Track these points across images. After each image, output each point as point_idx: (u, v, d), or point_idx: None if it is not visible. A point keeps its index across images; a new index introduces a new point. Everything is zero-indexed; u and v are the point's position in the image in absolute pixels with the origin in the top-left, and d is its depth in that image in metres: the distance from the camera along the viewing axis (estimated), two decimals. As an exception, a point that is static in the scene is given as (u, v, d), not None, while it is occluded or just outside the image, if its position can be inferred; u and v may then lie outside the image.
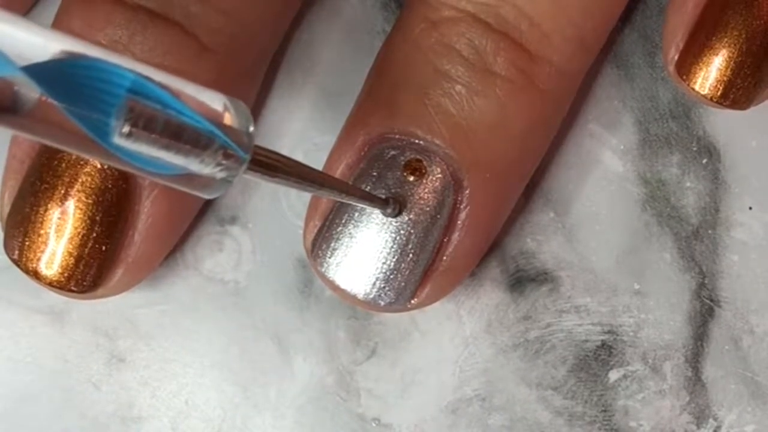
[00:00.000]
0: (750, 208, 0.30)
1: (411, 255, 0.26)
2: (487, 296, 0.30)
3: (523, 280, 0.30)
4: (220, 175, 0.19)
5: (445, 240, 0.27)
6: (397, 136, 0.26)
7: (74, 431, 0.30)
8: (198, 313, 0.30)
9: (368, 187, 0.26)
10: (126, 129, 0.17)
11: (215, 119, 0.19)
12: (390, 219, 0.26)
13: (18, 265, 0.27)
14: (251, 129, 0.19)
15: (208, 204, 0.30)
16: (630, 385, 0.30)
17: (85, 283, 0.27)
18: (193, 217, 0.29)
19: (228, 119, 0.19)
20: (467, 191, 0.26)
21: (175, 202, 0.27)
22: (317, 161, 0.28)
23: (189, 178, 0.19)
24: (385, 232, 0.26)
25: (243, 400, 0.30)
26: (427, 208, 0.26)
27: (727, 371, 0.30)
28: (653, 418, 0.30)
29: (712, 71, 0.27)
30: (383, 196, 0.26)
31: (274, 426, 0.30)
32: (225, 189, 0.20)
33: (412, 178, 0.26)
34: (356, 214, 0.27)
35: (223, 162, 0.19)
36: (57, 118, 0.17)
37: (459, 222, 0.27)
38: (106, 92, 0.17)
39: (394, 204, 0.26)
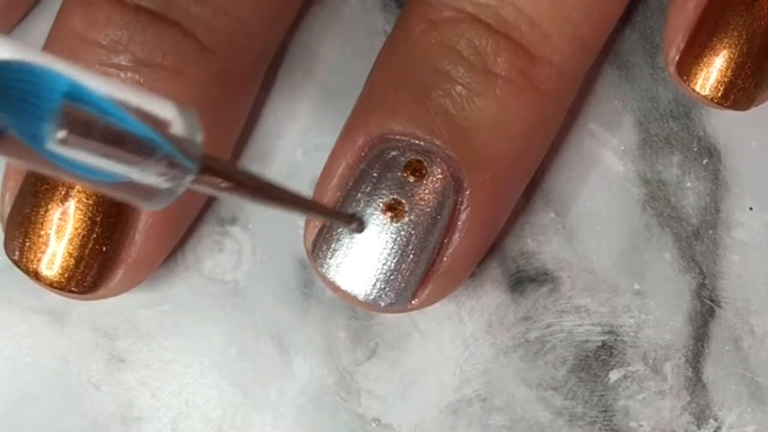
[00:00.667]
0: (750, 208, 0.30)
1: (411, 256, 0.26)
2: (488, 296, 0.30)
3: (524, 281, 0.30)
4: (165, 185, 0.18)
5: (446, 241, 0.27)
6: (397, 137, 0.26)
7: (74, 431, 0.30)
8: (198, 314, 0.30)
9: (369, 188, 0.26)
10: (61, 135, 0.16)
11: (161, 128, 0.18)
12: (390, 220, 0.26)
13: (18, 266, 0.27)
14: (199, 139, 0.18)
15: (208, 204, 0.30)
16: (630, 385, 0.30)
17: (85, 284, 0.27)
18: (194, 218, 0.29)
19: (176, 128, 0.18)
20: (467, 192, 0.26)
21: (175, 203, 0.27)
22: (317, 161, 0.28)
23: (131, 186, 0.18)
24: (386, 233, 0.26)
25: (243, 400, 0.30)
26: (428, 209, 0.26)
27: (727, 372, 0.30)
28: (654, 418, 0.30)
29: (712, 72, 0.27)
30: (348, 212, 0.26)
31: (274, 426, 0.30)
32: (171, 200, 0.19)
33: (412, 179, 0.26)
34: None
35: (167, 172, 0.18)
36: None
37: (459, 223, 0.27)
38: (41, 97, 0.16)
39: (359, 221, 0.26)
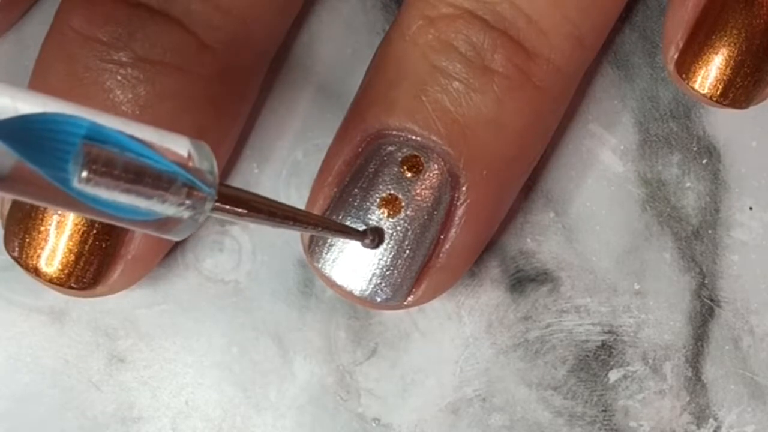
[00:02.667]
0: (750, 208, 0.30)
1: (408, 251, 0.26)
2: (488, 296, 0.30)
3: (524, 281, 0.30)
4: (186, 214, 0.19)
5: (442, 237, 0.27)
6: (394, 133, 0.26)
7: (74, 431, 0.30)
8: (198, 313, 0.30)
9: (365, 184, 0.26)
10: (84, 173, 0.17)
11: (177, 160, 0.19)
12: (386, 216, 0.26)
13: (18, 263, 0.27)
14: (215, 168, 0.19)
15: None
16: (630, 385, 0.30)
17: (85, 280, 0.27)
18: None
19: (191, 160, 0.19)
20: (464, 188, 0.26)
21: None
22: (317, 161, 0.28)
23: (155, 220, 0.19)
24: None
25: (243, 400, 0.30)
26: (424, 205, 0.26)
27: (727, 371, 0.30)
28: (653, 418, 0.30)
29: (711, 70, 0.27)
30: (361, 228, 0.26)
31: (274, 426, 0.30)
32: (193, 230, 0.19)
33: (409, 175, 0.26)
34: (354, 211, 0.27)
35: (188, 201, 0.19)
36: (32, 177, 0.17)
37: (456, 219, 0.27)
38: (64, 142, 0.17)
39: (372, 235, 0.26)
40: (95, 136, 0.18)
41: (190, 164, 0.19)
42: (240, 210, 0.20)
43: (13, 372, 0.30)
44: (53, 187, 0.17)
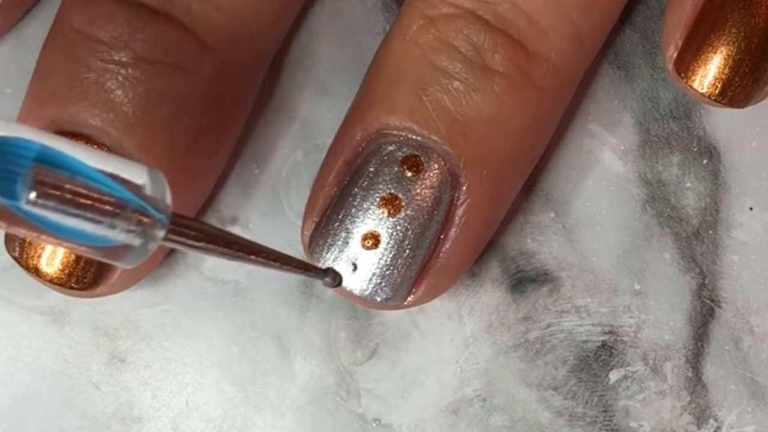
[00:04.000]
0: (750, 209, 0.30)
1: (408, 251, 0.26)
2: (488, 297, 0.30)
3: (524, 281, 0.30)
4: (137, 241, 0.19)
5: (442, 237, 0.27)
6: (394, 132, 0.26)
7: (74, 431, 0.30)
8: (198, 313, 0.30)
9: (365, 183, 0.26)
10: (32, 195, 0.18)
11: (131, 187, 0.19)
12: (386, 216, 0.26)
13: (19, 263, 0.27)
14: (167, 197, 0.19)
15: (208, 204, 0.30)
16: (630, 385, 0.30)
17: (85, 281, 0.27)
18: (193, 215, 0.29)
19: (145, 188, 0.19)
20: (464, 187, 0.26)
21: (176, 201, 0.27)
22: (317, 161, 0.28)
23: (108, 249, 0.19)
24: (382, 229, 0.26)
25: (243, 400, 0.30)
26: (424, 205, 0.26)
27: (727, 371, 0.30)
28: (654, 418, 0.30)
29: (710, 69, 0.27)
30: (323, 267, 0.26)
31: (274, 426, 0.30)
32: (143, 257, 0.19)
33: (409, 174, 0.26)
34: (354, 210, 0.27)
35: (138, 227, 0.19)
36: None
37: (456, 218, 0.27)
38: (14, 164, 0.18)
39: (332, 275, 0.25)
40: (46, 159, 0.18)
41: (144, 191, 0.19)
42: (194, 240, 0.20)
43: (13, 372, 0.30)
44: (4, 207, 0.18)
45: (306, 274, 0.24)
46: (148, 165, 0.20)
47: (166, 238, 0.19)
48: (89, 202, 0.18)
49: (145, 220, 0.19)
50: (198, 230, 0.20)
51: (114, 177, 0.19)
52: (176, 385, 0.30)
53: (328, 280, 0.25)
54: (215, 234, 0.21)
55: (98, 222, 0.18)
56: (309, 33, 0.30)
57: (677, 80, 0.28)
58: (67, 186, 0.18)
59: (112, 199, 0.19)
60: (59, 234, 0.18)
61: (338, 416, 0.30)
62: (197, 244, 0.20)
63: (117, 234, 0.19)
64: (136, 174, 0.19)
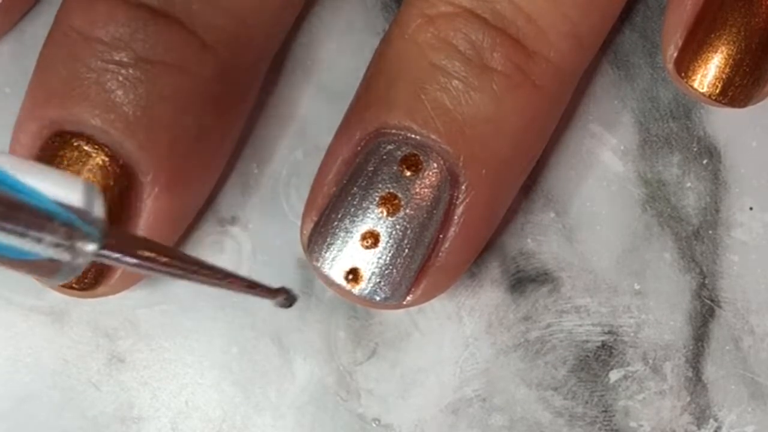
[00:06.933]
0: (750, 208, 0.30)
1: (407, 250, 0.26)
2: (488, 296, 0.30)
3: (524, 281, 0.30)
4: (66, 257, 0.18)
5: (441, 236, 0.27)
6: (393, 131, 0.26)
7: (74, 431, 0.30)
8: (198, 313, 0.30)
9: (364, 182, 0.26)
10: None
11: (61, 200, 0.18)
12: (385, 215, 0.26)
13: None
14: (100, 211, 0.18)
15: (208, 204, 0.30)
16: (630, 385, 0.30)
17: (86, 281, 0.27)
18: (194, 216, 0.29)
19: (78, 202, 0.18)
20: (463, 187, 0.26)
21: (177, 201, 0.27)
22: (317, 161, 0.28)
23: (36, 263, 0.18)
24: (381, 227, 0.26)
25: (243, 400, 0.30)
26: (423, 204, 0.26)
27: (727, 371, 0.30)
28: (654, 418, 0.30)
29: (710, 69, 0.27)
30: (272, 287, 0.23)
31: (274, 426, 0.30)
32: (73, 275, 0.18)
33: (408, 173, 0.26)
34: (353, 209, 0.27)
35: (66, 242, 0.18)
36: None
37: (455, 218, 0.27)
38: None
39: (284, 294, 0.23)
40: None
41: (75, 205, 0.18)
42: (130, 258, 0.19)
43: (13, 372, 0.30)
44: None
45: (254, 293, 0.22)
46: (83, 179, 0.19)
47: (98, 254, 0.18)
48: (12, 213, 0.17)
49: (74, 234, 0.18)
50: (136, 246, 0.19)
51: (45, 189, 0.18)
52: (176, 385, 0.30)
53: (281, 299, 0.23)
54: (157, 249, 0.19)
55: (22, 235, 0.17)
56: (309, 33, 0.30)
57: (677, 80, 0.28)
58: None
59: (39, 212, 0.17)
60: None
61: (338, 416, 0.30)
62: (133, 261, 0.19)
63: (44, 249, 0.18)
64: (70, 187, 0.18)
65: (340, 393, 0.30)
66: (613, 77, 0.30)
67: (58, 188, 0.18)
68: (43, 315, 0.30)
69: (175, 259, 0.20)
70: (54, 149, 0.26)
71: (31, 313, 0.30)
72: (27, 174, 0.18)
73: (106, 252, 0.18)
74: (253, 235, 0.30)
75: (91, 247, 0.18)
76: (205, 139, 0.27)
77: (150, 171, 0.26)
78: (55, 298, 0.30)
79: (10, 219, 0.17)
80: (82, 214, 0.18)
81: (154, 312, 0.30)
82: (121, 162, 0.26)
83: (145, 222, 0.27)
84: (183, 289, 0.30)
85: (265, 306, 0.30)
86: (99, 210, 0.18)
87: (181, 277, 0.20)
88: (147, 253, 0.19)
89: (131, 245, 0.19)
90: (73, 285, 0.27)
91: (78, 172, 0.26)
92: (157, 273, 0.19)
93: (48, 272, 0.18)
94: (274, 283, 0.30)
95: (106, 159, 0.26)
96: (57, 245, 0.18)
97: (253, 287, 0.22)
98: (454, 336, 0.30)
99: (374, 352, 0.30)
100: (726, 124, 0.30)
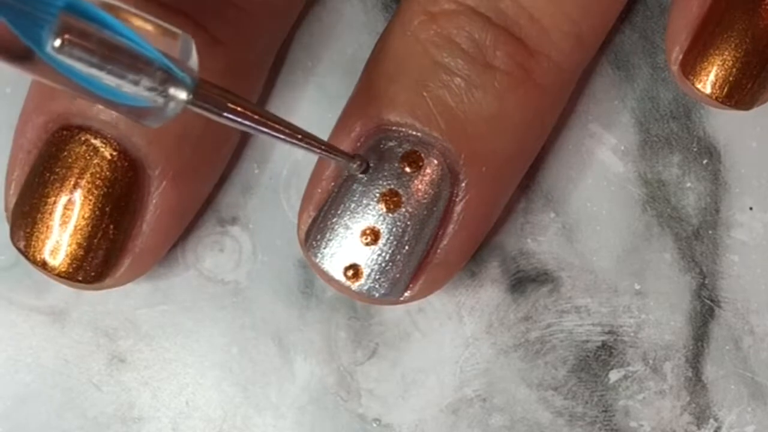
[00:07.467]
0: (750, 209, 0.30)
1: (407, 247, 0.26)
2: (488, 297, 0.30)
3: (524, 281, 0.30)
4: (160, 100, 0.19)
5: (441, 232, 0.27)
6: (394, 128, 0.26)
7: (74, 431, 0.30)
8: (198, 314, 0.30)
9: (365, 178, 0.26)
10: (57, 42, 0.18)
11: (161, 47, 0.19)
12: (386, 212, 0.26)
13: (25, 256, 0.26)
14: (195, 61, 0.20)
15: (208, 204, 0.30)
16: (630, 385, 0.30)
17: (92, 274, 0.27)
18: (197, 210, 0.29)
19: (176, 50, 0.19)
20: (463, 184, 0.26)
21: (183, 194, 0.27)
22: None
23: (131, 106, 0.19)
24: (381, 224, 0.26)
25: (243, 400, 0.30)
26: (424, 201, 0.26)
27: (727, 371, 0.30)
28: (654, 418, 0.30)
29: (717, 71, 0.27)
30: (348, 152, 0.26)
31: (274, 426, 0.30)
32: (168, 118, 0.20)
33: (408, 170, 0.26)
34: (352, 205, 0.27)
35: (161, 87, 0.19)
36: (11, 41, 0.18)
37: (455, 215, 0.27)
38: (43, 11, 0.18)
39: (360, 160, 0.26)
40: (76, 9, 0.18)
41: (173, 53, 0.19)
42: (220, 107, 0.20)
43: (14, 372, 0.30)
44: (31, 54, 0.18)
45: (332, 156, 0.25)
46: (182, 30, 0.20)
47: (189, 101, 0.20)
48: (114, 55, 0.18)
49: (170, 79, 0.19)
50: (226, 99, 0.20)
51: (147, 35, 0.19)
52: (176, 385, 0.30)
53: (353, 165, 0.25)
54: (240, 104, 0.21)
55: (121, 77, 0.19)
56: (309, 33, 0.30)
57: (683, 82, 0.28)
58: (93, 37, 0.18)
59: (139, 56, 0.19)
60: (82, 84, 0.19)
61: (338, 416, 0.30)
62: (220, 112, 0.20)
63: (140, 91, 0.19)
64: (170, 35, 0.19)
65: (340, 393, 0.30)
66: (613, 77, 0.30)
67: (157, 35, 0.19)
68: (43, 315, 0.30)
69: (260, 116, 0.21)
70: (60, 143, 0.26)
71: (32, 313, 0.30)
72: (128, 19, 0.19)
73: (197, 101, 0.20)
74: (253, 235, 0.30)
75: (183, 94, 0.19)
76: (212, 134, 0.27)
77: (158, 165, 0.26)
78: (56, 298, 0.30)
79: (112, 60, 0.18)
80: (178, 62, 0.19)
81: (154, 312, 0.30)
82: (129, 156, 0.26)
83: (152, 215, 0.27)
84: (183, 290, 0.30)
85: (265, 306, 0.30)
86: (194, 61, 0.20)
87: (263, 132, 0.22)
88: (234, 107, 0.21)
89: (221, 97, 0.21)
90: (79, 278, 0.26)
91: (84, 166, 0.26)
92: (240, 126, 0.21)
93: (139, 115, 0.20)
94: (274, 283, 0.30)
95: (115, 153, 0.26)
96: (151, 89, 0.19)
97: (330, 150, 0.24)
98: (454, 336, 0.30)
99: (374, 352, 0.30)
100: (726, 125, 0.30)
